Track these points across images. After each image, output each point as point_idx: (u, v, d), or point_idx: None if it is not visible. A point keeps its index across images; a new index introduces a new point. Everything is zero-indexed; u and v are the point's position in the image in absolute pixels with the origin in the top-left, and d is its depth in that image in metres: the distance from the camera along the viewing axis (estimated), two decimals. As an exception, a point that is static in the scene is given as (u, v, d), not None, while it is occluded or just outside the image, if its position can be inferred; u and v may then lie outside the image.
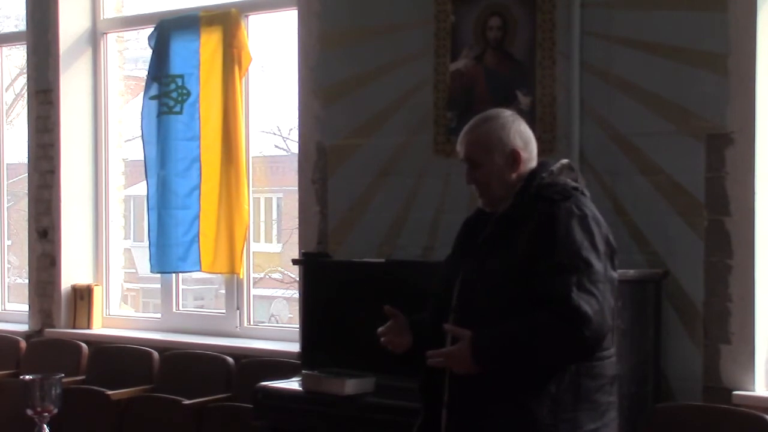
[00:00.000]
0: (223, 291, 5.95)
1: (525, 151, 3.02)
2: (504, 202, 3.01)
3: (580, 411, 2.85)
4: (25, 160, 6.43)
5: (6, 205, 6.98)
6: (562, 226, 2.84)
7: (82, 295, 6.13)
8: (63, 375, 3.72)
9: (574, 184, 2.98)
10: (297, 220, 5.29)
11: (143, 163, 5.79)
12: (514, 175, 3.00)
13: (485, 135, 3.02)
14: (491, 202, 3.05)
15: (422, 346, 3.02)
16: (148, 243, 5.78)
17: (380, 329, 3.16)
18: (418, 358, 3.03)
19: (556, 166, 3.01)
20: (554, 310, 2.76)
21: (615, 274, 2.92)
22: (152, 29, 5.80)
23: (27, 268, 6.46)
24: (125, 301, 7.02)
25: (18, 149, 6.95)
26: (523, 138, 3.04)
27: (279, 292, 9.96)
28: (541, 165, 3.03)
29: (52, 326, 6.18)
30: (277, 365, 4.96)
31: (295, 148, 5.58)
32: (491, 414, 2.87)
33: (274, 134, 9.40)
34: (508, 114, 3.08)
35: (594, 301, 2.76)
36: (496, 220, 3.00)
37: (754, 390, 3.96)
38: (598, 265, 2.82)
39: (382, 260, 4.62)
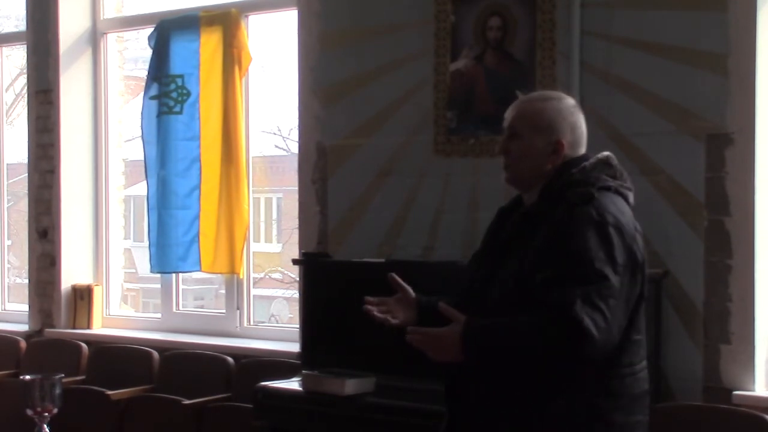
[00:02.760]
0: (223, 291, 5.95)
1: (570, 148, 2.81)
2: (530, 195, 2.84)
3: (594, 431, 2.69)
4: (25, 160, 6.43)
5: (6, 205, 6.98)
6: (576, 234, 2.62)
7: (82, 295, 6.13)
8: (63, 375, 3.71)
9: (607, 183, 2.75)
10: (297, 220, 5.29)
11: (143, 163, 5.79)
12: (549, 165, 2.80)
13: (538, 112, 2.84)
14: (513, 180, 2.87)
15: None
16: (148, 243, 5.78)
17: (370, 298, 2.98)
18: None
19: (589, 162, 2.79)
20: (555, 320, 2.56)
21: (637, 288, 2.70)
22: (152, 29, 5.80)
23: (27, 268, 6.46)
24: (125, 301, 7.02)
25: (18, 149, 6.95)
26: (575, 134, 2.84)
27: (279, 292, 9.95)
28: (575, 159, 2.81)
29: (52, 326, 6.18)
30: (277, 365, 4.96)
31: (295, 148, 5.58)
32: (499, 426, 2.75)
33: (274, 134, 9.40)
34: (571, 103, 2.89)
35: (599, 317, 2.55)
36: (519, 217, 2.83)
37: (754, 390, 3.96)
38: (613, 278, 2.59)
39: (382, 260, 4.62)
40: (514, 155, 2.85)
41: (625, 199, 2.80)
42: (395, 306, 2.99)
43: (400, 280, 3.01)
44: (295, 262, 5.02)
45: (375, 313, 2.97)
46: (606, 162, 2.83)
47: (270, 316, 9.50)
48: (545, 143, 2.81)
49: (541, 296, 2.61)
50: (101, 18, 6.25)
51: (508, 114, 2.90)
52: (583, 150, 2.86)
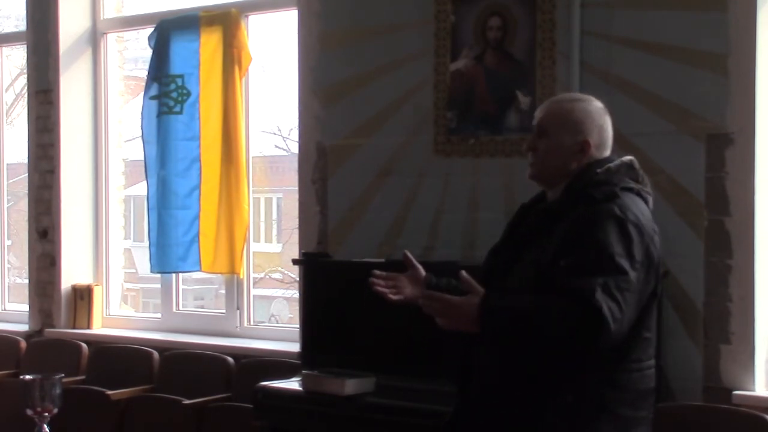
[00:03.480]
0: (223, 291, 5.95)
1: (597, 149, 2.89)
2: (553, 192, 2.92)
3: (599, 423, 2.75)
4: (25, 160, 6.43)
5: (6, 205, 6.98)
6: (598, 227, 2.71)
7: (82, 295, 6.13)
8: (63, 375, 3.71)
9: (629, 184, 2.84)
10: (297, 220, 5.29)
11: (143, 163, 5.79)
12: (574, 164, 2.88)
13: (568, 111, 2.92)
14: (538, 176, 2.95)
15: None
16: (148, 243, 5.78)
17: (378, 272, 3.08)
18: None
19: (614, 164, 2.87)
20: (575, 304, 2.63)
21: (650, 287, 2.78)
22: (152, 29, 5.80)
23: (27, 268, 6.46)
24: (125, 301, 7.02)
25: (18, 149, 6.95)
26: (602, 136, 2.92)
27: (279, 292, 9.95)
28: (600, 160, 2.88)
29: (52, 326, 6.18)
30: (277, 365, 4.96)
31: (295, 148, 5.58)
32: (505, 418, 2.81)
33: (274, 134, 9.40)
34: (599, 106, 2.97)
35: (616, 307, 2.63)
36: (540, 213, 2.91)
37: (754, 390, 3.96)
38: (631, 274, 2.68)
39: (382, 260, 4.62)
40: (541, 152, 2.92)
41: (645, 202, 2.88)
42: (404, 282, 3.09)
43: (412, 257, 3.11)
44: (295, 262, 5.02)
45: (377, 287, 3.07)
46: (630, 165, 2.91)
47: (270, 316, 9.50)
48: (572, 142, 2.89)
49: (561, 281, 2.67)
50: (101, 18, 6.26)
51: (538, 113, 2.99)
52: (608, 152, 2.94)
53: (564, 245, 2.74)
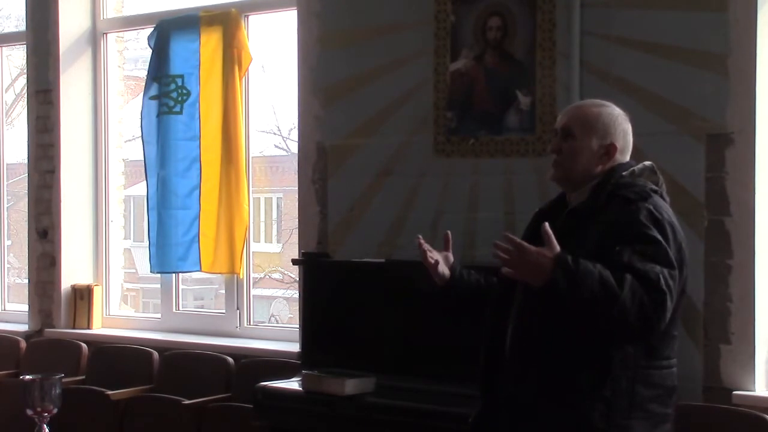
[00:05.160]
0: (223, 291, 5.96)
1: (620, 153, 2.99)
2: (578, 195, 2.97)
3: (633, 419, 2.81)
4: (25, 160, 6.43)
5: (6, 205, 6.98)
6: (640, 224, 2.79)
7: (82, 295, 6.13)
8: (63, 375, 3.72)
9: (653, 186, 2.93)
10: (297, 220, 5.29)
11: (143, 163, 5.79)
12: (599, 167, 2.96)
13: (595, 116, 3.00)
14: (563, 177, 3.00)
15: (454, 295, 3.13)
16: (148, 243, 5.78)
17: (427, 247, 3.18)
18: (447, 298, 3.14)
19: (638, 167, 2.98)
20: (645, 286, 2.68)
21: (681, 284, 2.84)
22: (152, 29, 5.80)
23: (27, 268, 6.46)
24: (125, 301, 7.02)
25: (18, 149, 6.95)
26: (625, 140, 3.02)
27: (279, 292, 9.97)
28: (622, 164, 2.98)
29: (52, 326, 6.17)
30: (277, 365, 4.96)
31: (295, 148, 5.58)
32: (543, 414, 2.85)
33: (274, 134, 9.42)
34: (622, 112, 3.05)
35: (669, 298, 2.72)
36: (568, 214, 2.95)
37: (754, 390, 3.96)
38: (674, 268, 2.77)
39: (382, 260, 4.63)
40: (567, 154, 2.98)
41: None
42: (439, 258, 3.19)
43: (450, 240, 3.25)
44: (295, 262, 5.02)
45: (429, 256, 3.17)
46: (652, 169, 2.99)
47: (270, 316, 9.52)
48: (598, 145, 2.97)
49: (622, 261, 2.71)
50: (101, 18, 6.25)
51: (562, 117, 3.05)
52: (628, 157, 3.03)
53: (606, 241, 2.77)
